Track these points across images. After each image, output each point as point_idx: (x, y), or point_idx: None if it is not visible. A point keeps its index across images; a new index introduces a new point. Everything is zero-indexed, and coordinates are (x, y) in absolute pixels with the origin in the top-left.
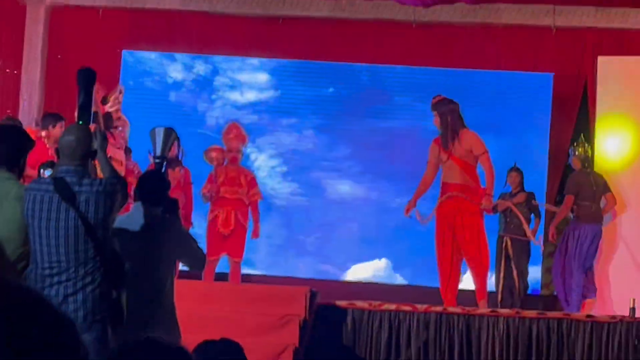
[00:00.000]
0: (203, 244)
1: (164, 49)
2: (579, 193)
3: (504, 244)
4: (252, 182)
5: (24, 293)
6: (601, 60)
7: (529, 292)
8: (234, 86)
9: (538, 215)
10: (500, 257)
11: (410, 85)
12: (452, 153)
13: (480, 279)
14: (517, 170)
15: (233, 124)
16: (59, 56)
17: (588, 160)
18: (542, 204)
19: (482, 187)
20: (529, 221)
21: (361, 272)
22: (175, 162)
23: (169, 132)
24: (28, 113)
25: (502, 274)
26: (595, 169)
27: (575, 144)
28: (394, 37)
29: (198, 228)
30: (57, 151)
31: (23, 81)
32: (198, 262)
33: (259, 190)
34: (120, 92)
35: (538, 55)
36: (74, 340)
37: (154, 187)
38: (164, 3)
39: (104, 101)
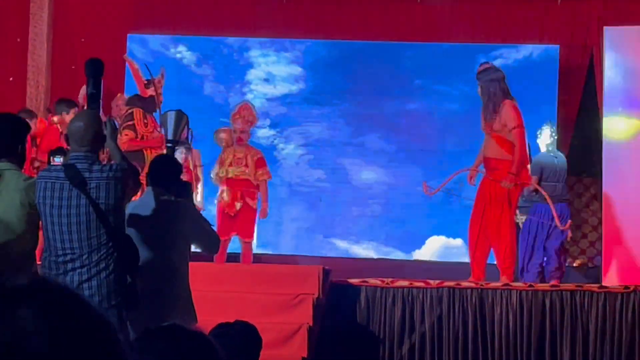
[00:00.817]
0: (213, 225)
1: (170, 31)
2: (543, 174)
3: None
4: (260, 161)
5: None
6: (607, 30)
7: None
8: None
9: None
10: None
11: (421, 62)
12: (491, 125)
13: (498, 255)
14: None
15: (244, 105)
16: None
17: (553, 143)
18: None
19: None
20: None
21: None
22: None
23: (180, 116)
24: (36, 98)
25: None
26: (604, 139)
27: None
28: (399, 14)
29: (210, 210)
30: (66, 137)
31: (30, 66)
32: (212, 245)
33: (267, 170)
34: (162, 76)
35: (544, 27)
36: (113, 341)
37: (165, 171)
38: None
39: (147, 85)
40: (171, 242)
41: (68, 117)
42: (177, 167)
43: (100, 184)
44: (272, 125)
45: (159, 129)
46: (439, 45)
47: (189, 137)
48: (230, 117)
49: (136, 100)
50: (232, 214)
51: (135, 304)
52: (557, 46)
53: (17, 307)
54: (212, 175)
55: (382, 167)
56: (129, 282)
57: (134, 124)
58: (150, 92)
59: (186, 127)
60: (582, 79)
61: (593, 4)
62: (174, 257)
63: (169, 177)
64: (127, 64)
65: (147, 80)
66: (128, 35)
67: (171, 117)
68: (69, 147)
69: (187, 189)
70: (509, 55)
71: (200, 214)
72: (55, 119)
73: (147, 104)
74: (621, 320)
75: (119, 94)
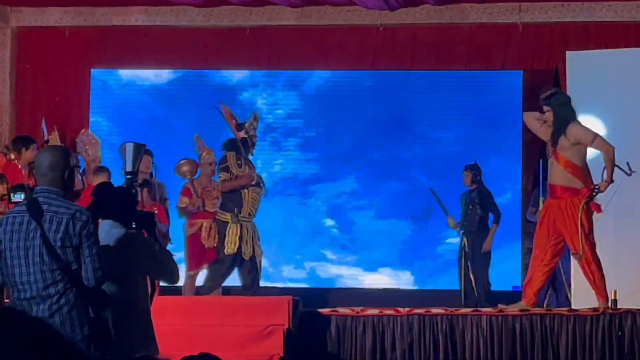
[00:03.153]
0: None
1: (133, 65)
2: None
3: (462, 242)
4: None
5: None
6: (569, 54)
7: (511, 289)
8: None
9: (496, 214)
10: (460, 256)
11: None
12: (557, 150)
13: (590, 280)
14: (470, 168)
15: (198, 137)
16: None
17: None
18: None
19: (590, 186)
20: (486, 216)
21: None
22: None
23: (138, 148)
24: (0, 135)
25: (462, 272)
26: None
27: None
28: (361, 42)
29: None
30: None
31: None
32: (171, 276)
33: None
34: (255, 119)
35: (506, 52)
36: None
37: (120, 203)
38: (130, 19)
39: (239, 127)
40: (126, 275)
41: (27, 154)
42: (132, 199)
43: (55, 218)
44: None
45: (252, 169)
46: (400, 73)
47: (154, 170)
48: (199, 150)
49: (230, 143)
50: (213, 246)
51: (106, 338)
52: (520, 71)
53: None
54: (181, 208)
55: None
56: (92, 316)
57: (227, 166)
58: (242, 134)
59: (149, 160)
60: None
61: (555, 29)
62: (131, 289)
63: (123, 209)
64: (221, 108)
65: (239, 123)
66: (91, 69)
67: (129, 149)
68: (35, 185)
69: (149, 220)
70: (472, 82)
71: (158, 245)
72: (12, 156)
73: (243, 146)
74: (591, 343)
75: (83, 130)
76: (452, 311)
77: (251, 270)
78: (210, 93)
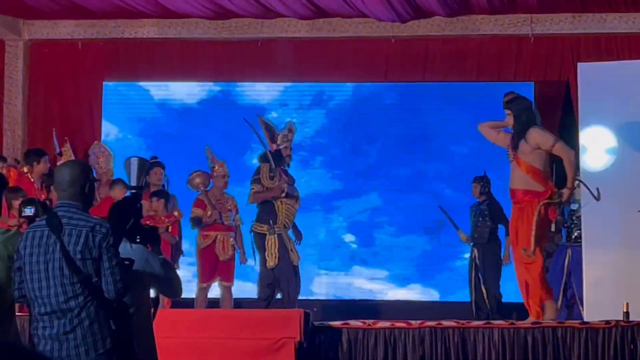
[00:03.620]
0: (190, 271)
1: (145, 78)
2: None
3: (472, 254)
4: (236, 207)
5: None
6: (581, 66)
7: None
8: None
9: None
10: (471, 267)
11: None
12: (518, 154)
13: (529, 291)
14: (479, 179)
15: (208, 150)
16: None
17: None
18: None
19: (550, 189)
20: (496, 227)
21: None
22: (157, 192)
23: (142, 163)
24: (12, 147)
25: (473, 284)
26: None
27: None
28: (374, 54)
29: (188, 255)
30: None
31: (5, 116)
32: (173, 291)
33: (240, 215)
34: (290, 130)
35: (518, 64)
36: None
37: (124, 217)
38: (142, 32)
39: (273, 139)
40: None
41: (40, 167)
42: (137, 213)
43: (74, 231)
44: None
45: (286, 180)
46: (413, 85)
47: (165, 183)
48: (211, 162)
49: (264, 155)
50: (227, 258)
51: (129, 351)
52: (532, 83)
53: None
54: (196, 219)
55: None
56: (113, 328)
57: (259, 178)
58: (275, 146)
59: (162, 172)
60: (558, 116)
61: (566, 41)
62: (135, 302)
63: (127, 223)
64: (251, 121)
65: (273, 135)
66: (103, 82)
67: (134, 164)
68: (47, 197)
69: (152, 234)
70: (485, 93)
71: (162, 259)
72: (25, 169)
73: (275, 158)
74: (603, 356)
75: (95, 142)
76: (463, 324)
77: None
78: (229, 106)
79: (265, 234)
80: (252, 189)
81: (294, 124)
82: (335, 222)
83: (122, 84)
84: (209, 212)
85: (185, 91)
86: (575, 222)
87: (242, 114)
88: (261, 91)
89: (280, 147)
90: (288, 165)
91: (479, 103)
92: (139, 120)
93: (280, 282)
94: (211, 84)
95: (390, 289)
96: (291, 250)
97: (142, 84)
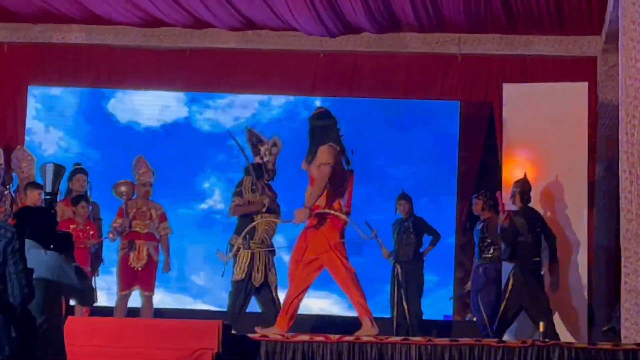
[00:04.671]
0: (112, 279)
1: (71, 83)
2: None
3: (395, 271)
4: (162, 216)
5: None
6: (506, 87)
7: (442, 318)
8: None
9: (436, 236)
10: (393, 284)
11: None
12: (310, 171)
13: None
14: (406, 197)
15: (140, 158)
16: None
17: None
18: None
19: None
20: (420, 244)
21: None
22: (81, 197)
23: (59, 169)
24: None
25: (395, 301)
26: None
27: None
28: (302, 67)
29: (109, 263)
30: None
31: None
32: (84, 299)
33: (168, 224)
34: (275, 145)
35: (445, 83)
36: None
37: (38, 223)
38: (69, 37)
39: (256, 152)
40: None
41: None
42: (52, 219)
43: None
44: None
45: (269, 195)
46: (341, 100)
47: (88, 190)
48: (132, 171)
49: (247, 167)
50: (139, 267)
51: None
52: (457, 102)
53: None
54: (113, 227)
55: None
56: (13, 335)
57: (241, 190)
58: (257, 159)
59: (84, 178)
60: (482, 135)
61: (492, 61)
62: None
63: (42, 229)
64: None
65: (256, 148)
66: (29, 87)
67: (49, 170)
68: None
69: (66, 241)
70: (410, 111)
71: (75, 266)
72: None
73: (256, 170)
74: None
75: (18, 146)
76: (381, 339)
77: (268, 300)
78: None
79: (239, 247)
80: (233, 201)
81: (280, 139)
82: None
83: (48, 89)
84: (119, 221)
85: (108, 96)
86: (489, 240)
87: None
88: (190, 100)
89: (264, 160)
90: (272, 180)
91: (403, 119)
92: (65, 125)
93: (257, 298)
94: (139, 91)
95: (311, 302)
96: (257, 269)
97: (70, 89)
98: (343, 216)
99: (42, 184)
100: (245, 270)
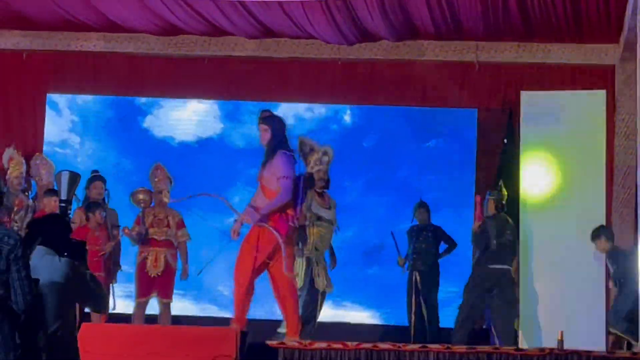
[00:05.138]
0: (132, 286)
1: (89, 91)
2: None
3: (413, 278)
4: (180, 223)
5: None
6: (524, 94)
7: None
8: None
9: (452, 243)
10: (410, 291)
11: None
12: (262, 174)
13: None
14: (424, 205)
15: (158, 165)
16: None
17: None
18: None
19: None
20: (437, 251)
21: None
22: (96, 205)
23: (74, 177)
24: None
25: (413, 308)
26: (522, 202)
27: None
28: (320, 75)
29: (128, 270)
30: None
31: None
32: (98, 306)
33: (186, 231)
34: (325, 154)
35: (462, 90)
36: None
37: (52, 231)
38: (88, 45)
39: (307, 162)
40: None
41: None
42: (66, 227)
43: None
44: None
45: (320, 203)
46: (357, 107)
47: (106, 197)
48: (149, 178)
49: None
50: (156, 275)
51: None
52: (475, 109)
53: None
54: (130, 235)
55: None
56: (18, 342)
57: None
58: (309, 169)
59: (102, 186)
60: (501, 143)
61: (510, 69)
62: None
63: (56, 237)
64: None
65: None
66: (47, 94)
67: (65, 177)
68: None
69: (80, 248)
70: (427, 118)
71: (89, 274)
72: None
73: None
74: None
75: (37, 154)
76: (399, 346)
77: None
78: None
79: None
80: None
81: (332, 148)
82: None
83: (67, 97)
84: (136, 229)
85: (126, 104)
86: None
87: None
88: (207, 109)
89: (313, 170)
90: (326, 188)
91: (421, 127)
92: (85, 133)
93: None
94: (157, 99)
95: (329, 310)
96: (317, 274)
97: (88, 96)
98: (277, 235)
99: (55, 190)
100: (303, 277)
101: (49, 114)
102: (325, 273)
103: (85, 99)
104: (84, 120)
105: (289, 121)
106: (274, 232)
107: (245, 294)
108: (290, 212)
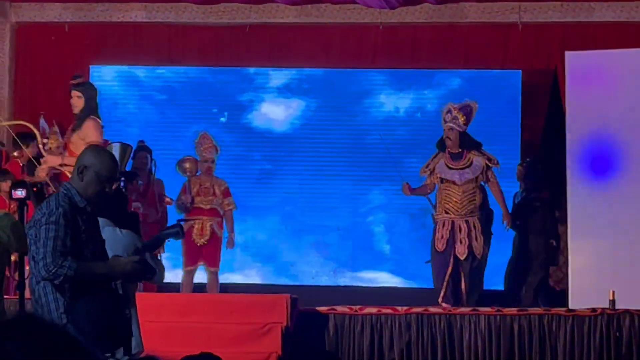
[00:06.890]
0: (179, 255)
1: (131, 61)
2: None
3: None
4: (226, 192)
5: None
6: (568, 54)
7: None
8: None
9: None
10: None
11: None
12: (70, 138)
13: None
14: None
15: (204, 134)
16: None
17: None
18: None
19: None
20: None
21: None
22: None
23: (125, 148)
24: None
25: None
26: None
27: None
28: (362, 40)
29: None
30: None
31: None
32: (155, 275)
33: (232, 200)
34: (448, 112)
35: (506, 52)
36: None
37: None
38: (129, 15)
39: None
40: None
41: (28, 151)
42: (123, 199)
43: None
44: None
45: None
46: (400, 71)
47: (153, 167)
48: (195, 147)
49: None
50: (201, 243)
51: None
52: (519, 71)
53: (5, 341)
54: (177, 204)
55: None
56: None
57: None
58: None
59: (149, 157)
60: (545, 104)
61: (554, 29)
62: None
63: (114, 209)
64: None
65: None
66: (90, 66)
67: (116, 149)
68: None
69: (135, 220)
70: (471, 80)
71: (142, 244)
72: (15, 153)
73: None
74: (589, 344)
75: None
76: (450, 310)
77: (471, 273)
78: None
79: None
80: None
81: (477, 104)
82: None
83: (109, 68)
84: (182, 198)
85: (171, 75)
86: None
87: (230, 98)
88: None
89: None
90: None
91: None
92: (127, 104)
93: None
94: (200, 68)
95: (378, 276)
96: (460, 241)
97: (130, 67)
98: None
99: None
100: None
101: None
102: (471, 238)
103: (128, 70)
104: (129, 91)
105: (327, 86)
106: None
107: None
108: None
